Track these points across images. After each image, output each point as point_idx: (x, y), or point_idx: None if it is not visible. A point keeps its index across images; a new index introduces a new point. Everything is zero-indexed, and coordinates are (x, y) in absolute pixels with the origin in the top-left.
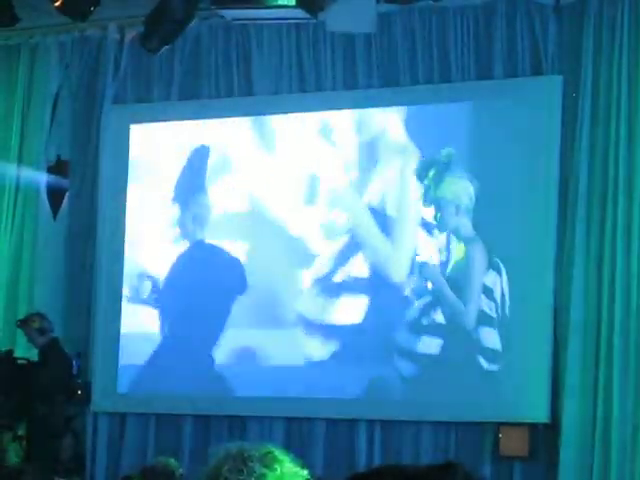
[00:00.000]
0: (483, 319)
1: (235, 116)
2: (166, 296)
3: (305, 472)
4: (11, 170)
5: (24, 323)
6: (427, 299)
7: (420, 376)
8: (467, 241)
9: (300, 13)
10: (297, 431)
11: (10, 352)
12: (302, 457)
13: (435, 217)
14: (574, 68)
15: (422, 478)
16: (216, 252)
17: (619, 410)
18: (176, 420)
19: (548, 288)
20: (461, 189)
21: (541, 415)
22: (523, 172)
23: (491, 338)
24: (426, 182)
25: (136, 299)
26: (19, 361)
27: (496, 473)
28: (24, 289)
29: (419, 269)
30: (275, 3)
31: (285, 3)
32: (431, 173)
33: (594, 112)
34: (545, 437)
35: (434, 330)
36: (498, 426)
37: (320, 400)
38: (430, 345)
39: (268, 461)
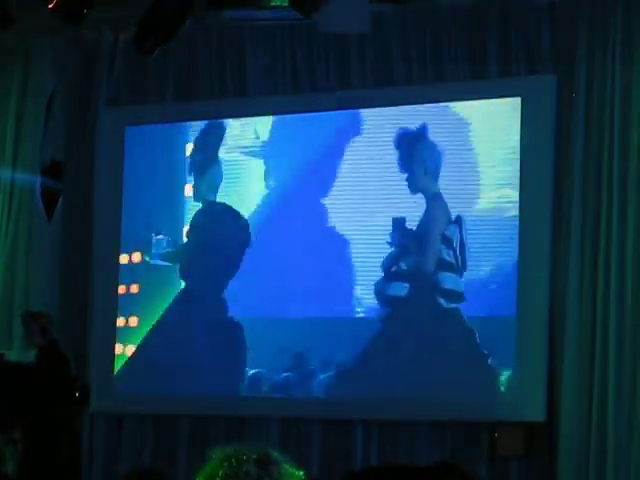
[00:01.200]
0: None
1: (229, 117)
2: (165, 287)
3: (301, 473)
4: (5, 172)
5: (31, 318)
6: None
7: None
8: (432, 199)
9: (293, 14)
10: (293, 432)
11: (1, 356)
12: (298, 458)
13: (407, 179)
14: (568, 67)
15: (419, 478)
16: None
17: (615, 408)
18: (173, 421)
19: (543, 289)
20: (431, 155)
21: (537, 414)
22: (517, 172)
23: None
24: (402, 150)
25: (130, 297)
26: (13, 364)
27: (492, 472)
28: (19, 291)
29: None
30: (269, 4)
31: (278, 4)
32: (406, 140)
33: (588, 111)
34: (541, 436)
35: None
36: (494, 425)
37: (316, 400)
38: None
39: (264, 464)
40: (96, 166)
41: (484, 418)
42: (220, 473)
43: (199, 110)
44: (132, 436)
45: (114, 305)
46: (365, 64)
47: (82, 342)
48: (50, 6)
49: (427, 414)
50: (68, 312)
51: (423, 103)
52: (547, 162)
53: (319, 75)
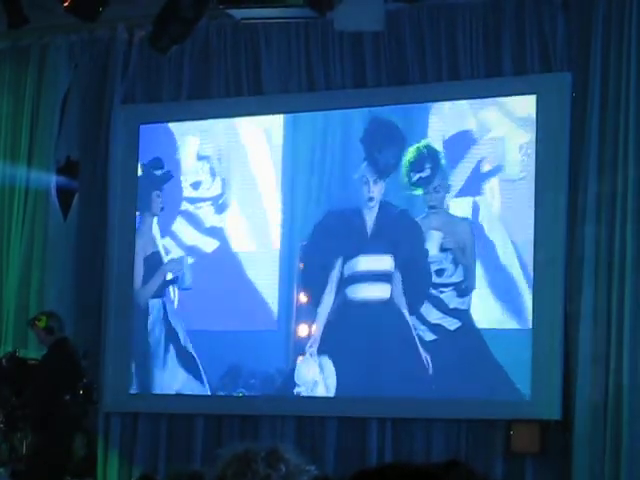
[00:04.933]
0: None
1: (244, 115)
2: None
3: (312, 467)
4: (21, 171)
5: (32, 323)
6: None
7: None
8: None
9: (308, 12)
10: (308, 430)
11: (14, 353)
12: (313, 456)
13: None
14: (583, 64)
15: (426, 476)
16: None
17: (629, 406)
18: (188, 420)
19: (559, 287)
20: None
21: (553, 412)
22: (532, 169)
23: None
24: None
25: (150, 297)
26: (30, 362)
27: (507, 469)
28: (35, 290)
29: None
30: (283, 2)
31: (293, 2)
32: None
33: (603, 108)
34: (556, 433)
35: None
36: (509, 423)
37: (331, 399)
38: None
39: (273, 461)
40: (111, 164)
41: (499, 416)
42: (228, 475)
43: (214, 109)
44: (147, 435)
45: (129, 304)
46: (380, 62)
47: (97, 341)
48: (65, 5)
49: (443, 412)
50: (83, 311)
51: (438, 101)
52: (562, 158)
53: (334, 74)
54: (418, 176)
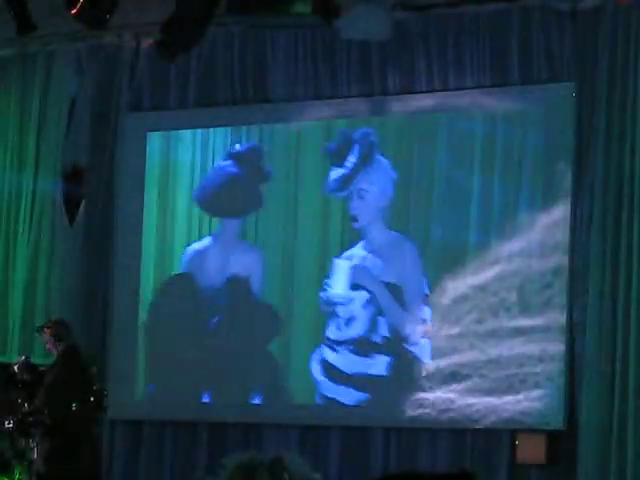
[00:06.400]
0: None
1: (251, 123)
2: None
3: (316, 476)
4: (28, 177)
5: (40, 331)
6: None
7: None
8: None
9: (315, 20)
10: (312, 439)
11: (27, 359)
12: (317, 465)
13: None
14: (589, 75)
15: None
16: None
17: (635, 416)
18: (193, 428)
19: (564, 297)
20: None
21: (558, 422)
22: (538, 178)
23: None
24: None
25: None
26: (42, 368)
27: None
28: (41, 297)
29: None
30: (291, 10)
31: (301, 10)
32: None
33: (609, 118)
34: (562, 444)
35: None
36: (514, 433)
37: (335, 407)
38: None
39: (277, 470)
40: (118, 171)
41: (504, 426)
42: None
43: (220, 116)
44: (152, 442)
45: (135, 311)
46: (387, 71)
47: (103, 348)
48: (73, 12)
49: (447, 422)
50: (89, 318)
51: (445, 111)
52: (568, 167)
53: (340, 82)
54: None
